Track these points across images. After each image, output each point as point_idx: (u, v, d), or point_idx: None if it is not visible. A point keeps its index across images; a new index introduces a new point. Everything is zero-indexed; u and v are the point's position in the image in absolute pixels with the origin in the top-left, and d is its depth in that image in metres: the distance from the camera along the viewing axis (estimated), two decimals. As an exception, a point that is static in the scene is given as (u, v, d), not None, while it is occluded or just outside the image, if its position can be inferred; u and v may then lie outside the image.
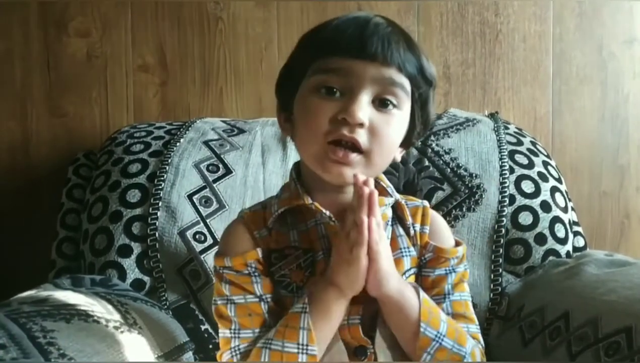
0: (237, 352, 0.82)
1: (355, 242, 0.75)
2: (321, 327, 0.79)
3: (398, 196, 0.90)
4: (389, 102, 0.81)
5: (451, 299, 0.87)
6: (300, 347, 0.78)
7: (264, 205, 0.90)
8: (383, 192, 0.88)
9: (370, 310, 0.83)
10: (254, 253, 0.84)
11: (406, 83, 0.82)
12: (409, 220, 0.89)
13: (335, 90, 0.80)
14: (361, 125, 0.79)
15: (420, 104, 0.85)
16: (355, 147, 0.80)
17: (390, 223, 0.88)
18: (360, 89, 0.79)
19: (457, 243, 0.90)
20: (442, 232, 0.91)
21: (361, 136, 0.79)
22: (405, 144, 0.88)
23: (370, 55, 0.79)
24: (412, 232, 0.89)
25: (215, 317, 0.86)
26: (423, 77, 0.83)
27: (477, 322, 0.89)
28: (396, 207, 0.90)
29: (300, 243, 0.85)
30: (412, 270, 0.88)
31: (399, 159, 0.90)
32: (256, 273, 0.84)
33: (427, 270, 0.88)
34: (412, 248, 0.88)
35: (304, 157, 0.86)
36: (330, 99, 0.80)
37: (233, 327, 0.83)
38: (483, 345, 0.88)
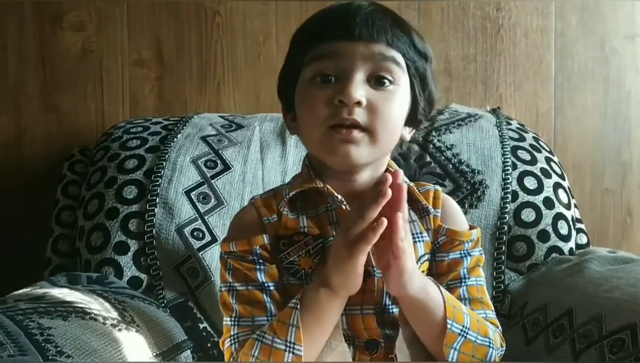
0: (236, 340, 0.82)
1: (356, 239, 0.73)
2: (311, 326, 0.77)
3: (406, 180, 0.88)
4: (385, 80, 0.81)
5: (467, 284, 0.86)
6: (288, 344, 0.76)
7: (274, 192, 0.90)
8: None
9: (381, 301, 0.82)
10: (260, 238, 0.83)
11: (398, 57, 0.82)
12: (423, 201, 0.87)
13: (330, 77, 0.81)
14: (358, 103, 0.79)
15: (419, 78, 0.85)
16: (357, 126, 0.80)
17: None
18: (353, 69, 0.80)
19: (471, 227, 0.89)
20: (455, 215, 0.89)
21: (360, 115, 0.80)
22: (413, 122, 0.88)
23: (355, 34, 0.80)
24: (427, 212, 0.87)
25: (220, 305, 0.85)
26: (415, 50, 0.84)
27: (492, 307, 0.88)
28: (408, 192, 0.88)
29: (309, 228, 0.84)
30: (426, 256, 0.86)
31: (408, 138, 0.89)
32: (260, 260, 0.83)
33: (441, 254, 0.86)
34: (424, 234, 0.87)
35: (310, 148, 0.86)
36: (326, 86, 0.81)
37: (233, 314, 0.83)
38: (500, 329, 0.86)
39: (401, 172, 0.74)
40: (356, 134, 0.80)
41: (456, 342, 0.78)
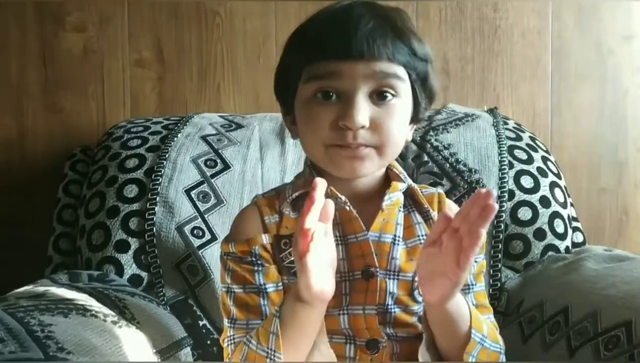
0: (232, 342, 0.83)
1: (301, 250, 0.70)
2: (290, 335, 0.77)
3: (411, 182, 0.89)
4: (387, 93, 0.80)
5: (474, 290, 0.86)
6: (269, 351, 0.76)
7: (277, 191, 0.90)
8: (396, 178, 0.87)
9: (384, 301, 0.82)
10: (259, 238, 0.83)
11: (399, 70, 0.81)
12: (425, 204, 0.87)
13: (331, 93, 0.80)
14: (363, 127, 0.79)
15: (420, 82, 0.84)
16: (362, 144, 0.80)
17: (402, 210, 0.87)
18: (355, 90, 0.79)
19: None
20: None
21: (365, 138, 0.79)
22: (415, 120, 0.87)
23: (356, 54, 0.78)
24: (431, 217, 0.87)
25: (220, 305, 0.86)
26: (417, 58, 0.82)
27: (492, 310, 0.89)
28: (411, 194, 0.89)
29: None
30: None
31: (410, 138, 0.89)
32: (259, 261, 0.83)
33: None
34: None
35: (314, 160, 0.86)
36: (328, 104, 0.80)
37: (231, 316, 0.83)
38: (498, 330, 0.87)
39: (493, 193, 0.70)
40: (362, 150, 0.80)
41: (475, 349, 0.78)
